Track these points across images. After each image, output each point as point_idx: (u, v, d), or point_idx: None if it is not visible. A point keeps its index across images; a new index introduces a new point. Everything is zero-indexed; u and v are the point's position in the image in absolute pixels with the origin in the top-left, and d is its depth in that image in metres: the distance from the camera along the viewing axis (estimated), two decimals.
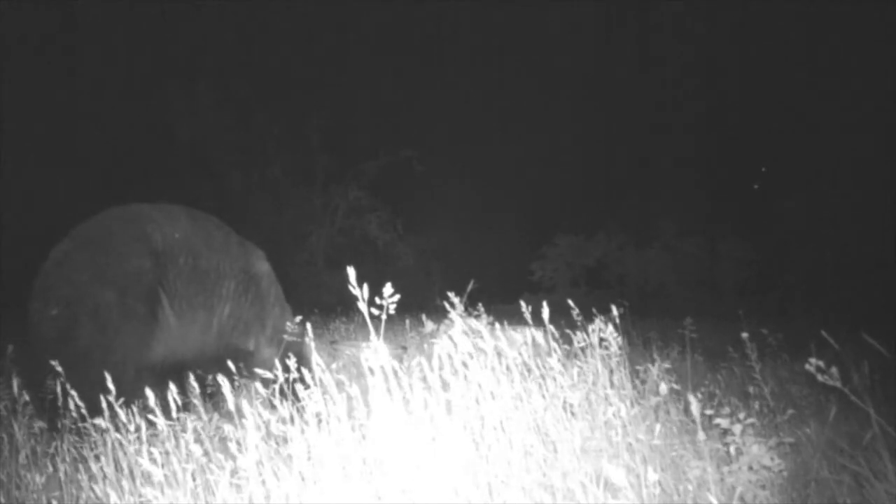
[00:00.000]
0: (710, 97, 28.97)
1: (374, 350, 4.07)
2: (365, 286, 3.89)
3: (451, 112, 30.49)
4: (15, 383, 5.62)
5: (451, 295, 6.33)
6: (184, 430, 4.57)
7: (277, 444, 4.33)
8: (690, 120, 29.02)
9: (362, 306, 3.88)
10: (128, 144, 25.33)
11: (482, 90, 32.05)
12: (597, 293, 23.62)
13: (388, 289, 4.12)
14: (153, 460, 4.22)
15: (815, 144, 26.07)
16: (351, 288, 3.88)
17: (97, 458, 4.84)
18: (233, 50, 26.79)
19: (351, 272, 3.86)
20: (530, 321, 5.47)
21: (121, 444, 4.71)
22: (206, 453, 4.36)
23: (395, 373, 4.18)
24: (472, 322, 4.45)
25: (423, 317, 8.08)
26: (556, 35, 31.14)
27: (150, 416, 4.48)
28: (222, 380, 4.39)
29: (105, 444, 4.78)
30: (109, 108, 24.68)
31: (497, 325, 5.06)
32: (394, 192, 28.51)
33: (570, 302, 5.45)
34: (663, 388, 4.61)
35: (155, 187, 24.79)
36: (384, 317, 4.10)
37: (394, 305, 4.14)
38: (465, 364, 4.37)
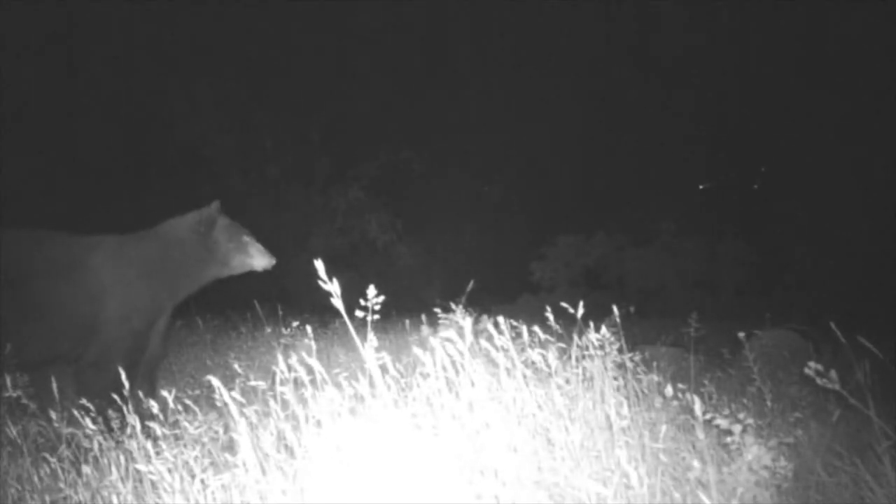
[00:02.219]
0: (710, 97, 28.93)
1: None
2: (335, 281, 3.87)
3: (450, 112, 30.42)
4: (8, 380, 5.64)
5: (449, 300, 6.35)
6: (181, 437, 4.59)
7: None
8: (689, 120, 28.98)
9: (337, 303, 3.87)
10: (127, 144, 25.31)
11: (482, 90, 31.97)
12: (596, 293, 23.54)
13: (371, 290, 4.12)
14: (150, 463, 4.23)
15: (815, 144, 26.08)
16: (321, 283, 3.87)
17: (95, 459, 4.85)
18: (233, 50, 26.73)
19: (319, 265, 3.84)
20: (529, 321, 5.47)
21: (117, 444, 4.72)
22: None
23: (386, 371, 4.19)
24: (469, 323, 4.43)
25: (424, 318, 8.07)
26: (556, 34, 31.07)
27: (150, 423, 4.50)
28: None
29: (100, 446, 4.78)
30: (108, 107, 24.67)
31: (499, 326, 5.04)
32: (394, 193, 28.51)
33: (570, 302, 5.40)
34: (669, 390, 4.60)
35: (154, 187, 24.80)
36: (370, 318, 4.10)
37: (378, 306, 4.14)
38: (461, 365, 4.36)
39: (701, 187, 30.55)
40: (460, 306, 6.60)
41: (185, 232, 8.62)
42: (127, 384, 5.04)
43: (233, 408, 4.12)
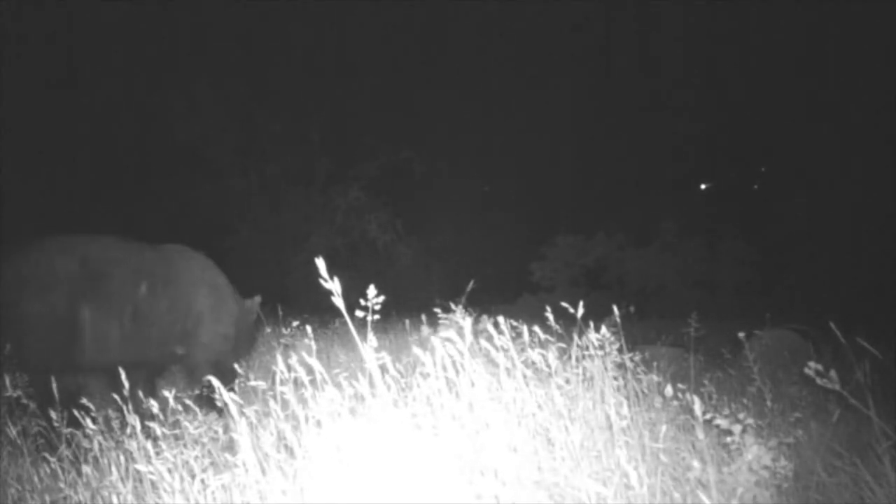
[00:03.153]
0: (710, 97, 28.94)
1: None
2: (336, 280, 3.87)
3: (451, 112, 30.43)
4: (7, 380, 5.65)
5: (449, 300, 6.35)
6: (180, 436, 4.59)
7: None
8: (690, 120, 28.99)
9: (338, 301, 3.86)
10: (126, 144, 25.32)
11: (482, 90, 31.99)
12: (596, 293, 23.53)
13: (371, 290, 4.12)
14: (149, 463, 4.23)
15: (815, 144, 26.09)
16: (322, 282, 3.87)
17: (95, 460, 4.85)
18: (233, 50, 26.73)
19: (321, 263, 3.85)
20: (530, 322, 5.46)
21: (117, 444, 4.72)
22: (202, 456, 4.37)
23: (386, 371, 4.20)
24: (469, 323, 4.42)
25: (424, 318, 8.07)
26: (555, 35, 31.09)
27: (149, 423, 4.50)
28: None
29: (100, 446, 4.79)
30: (108, 107, 24.66)
31: (499, 326, 5.04)
32: (393, 193, 28.50)
33: (570, 302, 5.40)
34: (669, 390, 4.60)
35: (154, 187, 24.79)
36: (370, 318, 4.10)
37: (378, 306, 4.14)
38: (461, 365, 4.36)
39: (702, 187, 30.59)
40: (460, 306, 6.60)
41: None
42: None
43: (233, 408, 4.12)
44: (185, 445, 4.55)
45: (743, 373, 7.34)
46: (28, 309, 7.28)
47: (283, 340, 9.13)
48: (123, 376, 4.92)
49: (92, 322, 7.56)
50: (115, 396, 5.15)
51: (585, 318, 4.99)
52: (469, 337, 4.28)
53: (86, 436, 4.96)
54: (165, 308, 8.15)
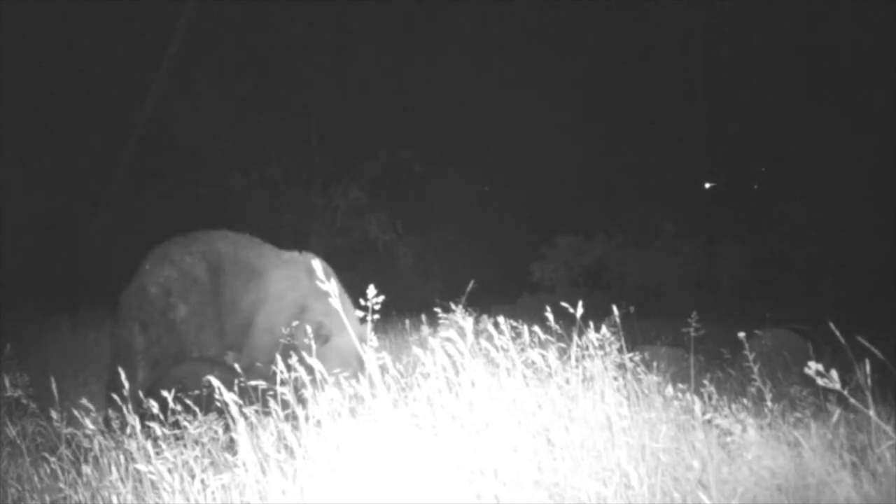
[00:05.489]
0: (710, 97, 28.91)
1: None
2: (333, 281, 3.87)
3: (451, 112, 30.40)
4: (7, 380, 5.66)
5: (449, 300, 6.36)
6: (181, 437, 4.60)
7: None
8: (689, 120, 28.96)
9: (335, 303, 3.86)
10: (126, 144, 25.28)
11: (482, 90, 31.95)
12: (596, 293, 23.52)
13: (371, 290, 4.11)
14: (149, 463, 4.23)
15: (814, 145, 26.08)
16: (319, 283, 3.87)
17: (95, 459, 4.85)
18: (233, 50, 26.70)
19: (317, 265, 3.85)
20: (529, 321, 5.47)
21: (117, 444, 4.72)
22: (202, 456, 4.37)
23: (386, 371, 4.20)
24: (470, 323, 4.42)
25: (424, 318, 8.09)
26: (557, 35, 31.07)
27: (150, 423, 4.50)
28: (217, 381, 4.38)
29: (100, 446, 4.79)
30: (108, 107, 24.63)
31: (499, 326, 5.04)
32: (393, 193, 28.46)
33: (570, 302, 5.39)
34: (669, 390, 4.60)
35: (154, 187, 24.77)
36: (370, 318, 4.10)
37: (378, 306, 4.14)
38: (461, 365, 4.36)
39: (707, 186, 30.60)
40: (460, 306, 6.61)
41: None
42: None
43: (233, 408, 4.13)
44: (185, 445, 4.55)
45: (743, 373, 7.35)
46: (167, 305, 7.62)
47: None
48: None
49: (212, 317, 7.79)
50: (115, 397, 5.15)
51: (585, 318, 4.98)
52: (469, 337, 4.28)
53: (86, 436, 4.96)
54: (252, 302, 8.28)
